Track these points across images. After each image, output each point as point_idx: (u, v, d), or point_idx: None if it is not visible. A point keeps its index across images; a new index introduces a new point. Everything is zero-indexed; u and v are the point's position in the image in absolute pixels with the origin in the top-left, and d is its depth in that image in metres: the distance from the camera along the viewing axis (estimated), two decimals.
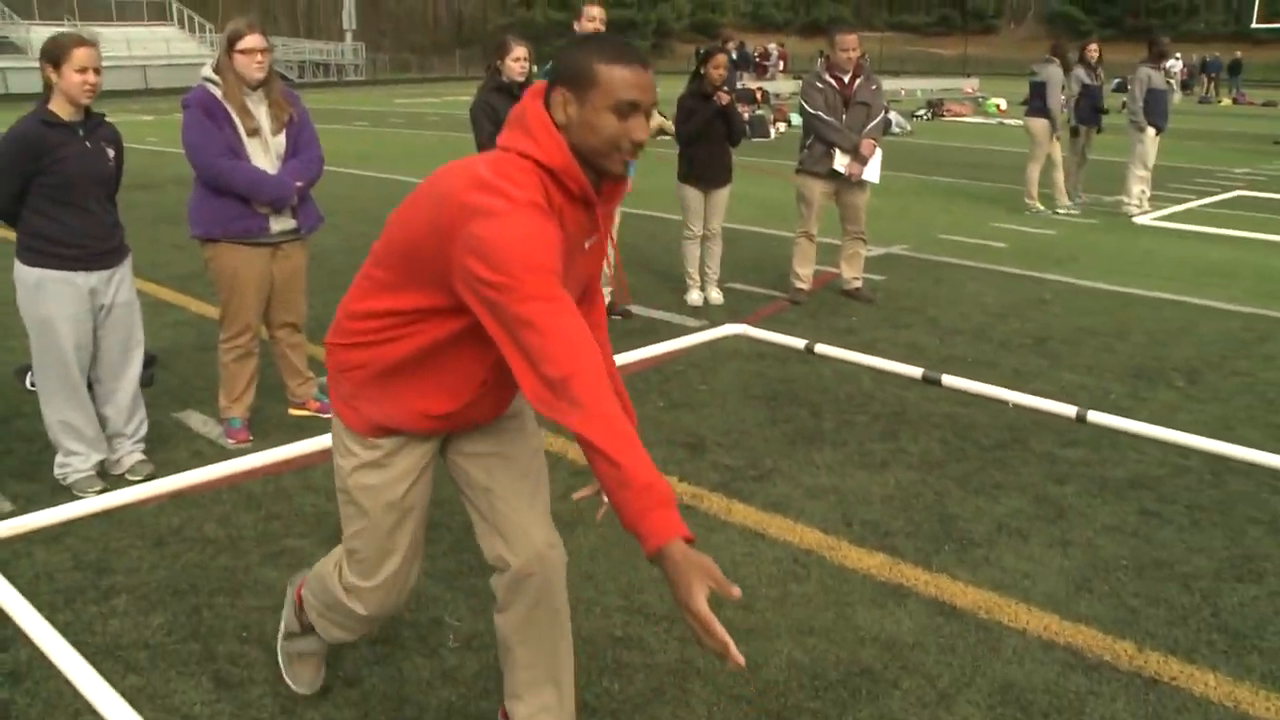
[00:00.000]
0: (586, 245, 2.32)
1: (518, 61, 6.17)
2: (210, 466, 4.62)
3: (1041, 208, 11.99)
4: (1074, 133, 12.45)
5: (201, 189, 4.68)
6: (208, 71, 4.66)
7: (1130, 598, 3.60)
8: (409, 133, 23.52)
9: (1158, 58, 11.91)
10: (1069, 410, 5.33)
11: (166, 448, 4.93)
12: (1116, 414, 5.30)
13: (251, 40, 4.55)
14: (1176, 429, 5.11)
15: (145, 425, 4.69)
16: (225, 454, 4.84)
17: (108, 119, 4.41)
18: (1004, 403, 5.53)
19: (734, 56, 28.10)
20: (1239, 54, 45.15)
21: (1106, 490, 4.47)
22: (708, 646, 1.83)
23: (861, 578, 3.72)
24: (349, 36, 58.78)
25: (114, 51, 46.95)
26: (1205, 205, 12.91)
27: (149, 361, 6.14)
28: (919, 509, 4.28)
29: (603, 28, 6.66)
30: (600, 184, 2.26)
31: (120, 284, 4.41)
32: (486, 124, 6.15)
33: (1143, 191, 12.10)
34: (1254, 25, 48.34)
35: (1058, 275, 8.65)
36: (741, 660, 1.81)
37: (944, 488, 4.49)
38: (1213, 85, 41.22)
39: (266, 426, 5.12)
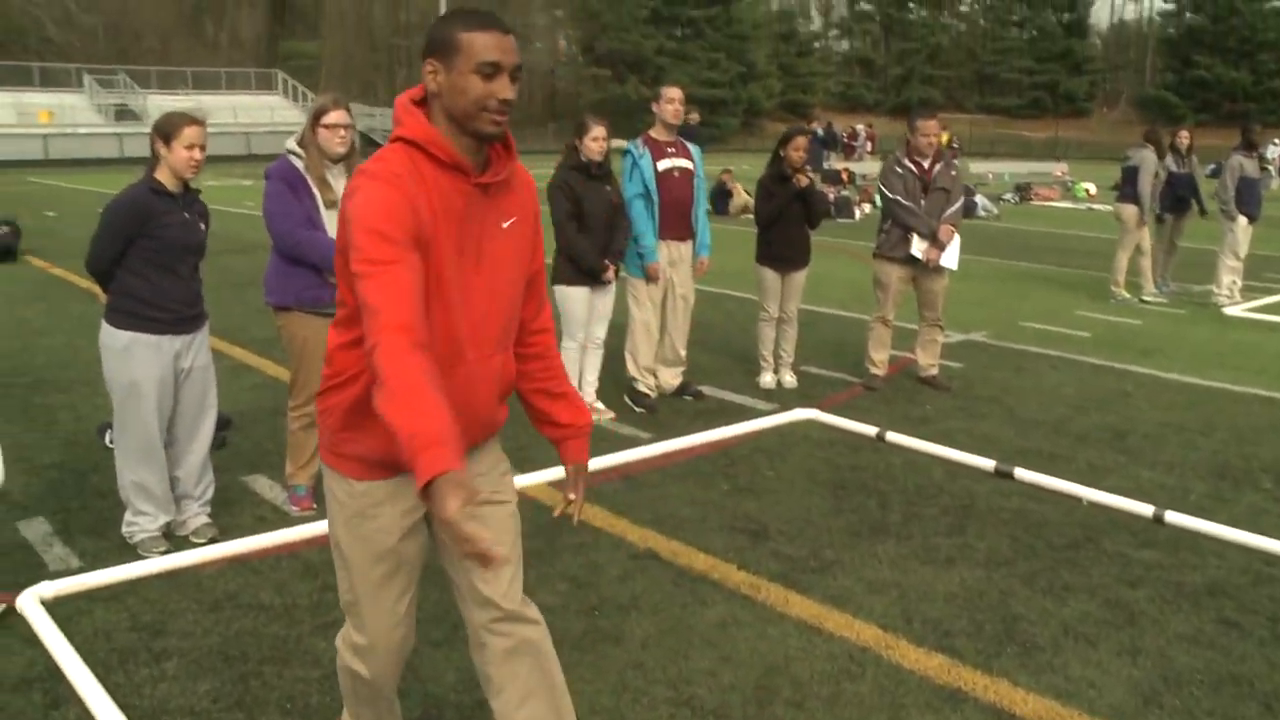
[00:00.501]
0: (505, 225, 2.45)
1: (596, 141, 6.25)
2: (271, 533, 4.68)
3: (1128, 295, 11.75)
4: (1159, 220, 12.23)
5: (277, 258, 4.79)
6: (291, 144, 4.80)
7: (1204, 715, 3.44)
8: None
9: (1250, 145, 11.69)
10: (1145, 510, 5.15)
11: (232, 511, 5.01)
12: (1197, 515, 5.10)
13: (335, 115, 4.68)
14: (1262, 534, 4.89)
15: (212, 488, 4.78)
16: (288, 520, 4.91)
17: (200, 195, 4.60)
18: (1078, 499, 5.37)
19: (820, 135, 28.22)
20: None
21: (1183, 597, 4.30)
22: (465, 553, 1.95)
23: (918, 679, 3.60)
24: None
25: (221, 119, 49.01)
26: None
27: (223, 424, 6.27)
28: (983, 608, 4.15)
29: (681, 109, 6.75)
30: (484, 152, 2.39)
31: (199, 348, 4.58)
32: (564, 201, 6.23)
33: (1234, 281, 11.81)
34: None
35: (1142, 367, 8.44)
36: (496, 552, 1.97)
37: (1010, 587, 4.36)
38: None
39: None
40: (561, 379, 2.77)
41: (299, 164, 4.74)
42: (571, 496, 2.81)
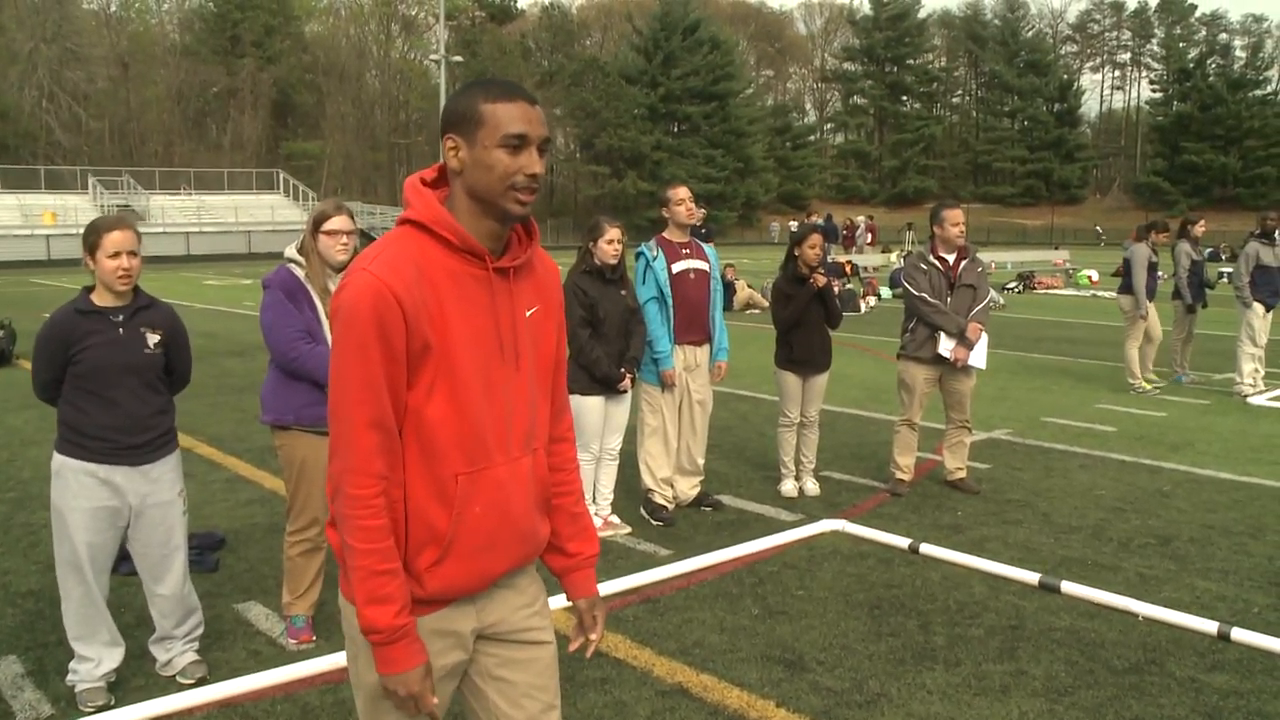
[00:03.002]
0: (528, 314, 2.24)
1: (610, 244, 6.00)
2: (265, 673, 4.29)
3: (1147, 386, 11.47)
4: (1190, 310, 12.03)
5: (276, 373, 4.49)
6: (291, 251, 4.53)
7: None
8: None
9: (1267, 233, 11.49)
10: (1209, 626, 4.78)
11: (223, 644, 4.64)
12: (1264, 631, 4.72)
13: (337, 222, 4.42)
14: None
15: (200, 626, 4.39)
16: (284, 656, 4.52)
17: (160, 302, 4.22)
18: (1133, 615, 5.00)
19: (822, 227, 28.17)
20: None
21: None
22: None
23: None
24: None
25: (222, 218, 49.58)
26: None
27: (216, 545, 5.95)
28: None
29: (694, 207, 6.51)
30: (506, 235, 2.20)
31: (157, 482, 4.12)
32: (576, 308, 5.96)
33: (1255, 370, 11.50)
34: None
35: (1175, 463, 8.10)
36: (428, 703, 2.12)
37: None
38: None
39: (331, 625, 4.77)
40: (579, 498, 2.48)
41: (299, 273, 4.46)
42: (593, 637, 2.47)
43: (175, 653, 4.31)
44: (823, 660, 4.51)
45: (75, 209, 46.68)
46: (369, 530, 2.05)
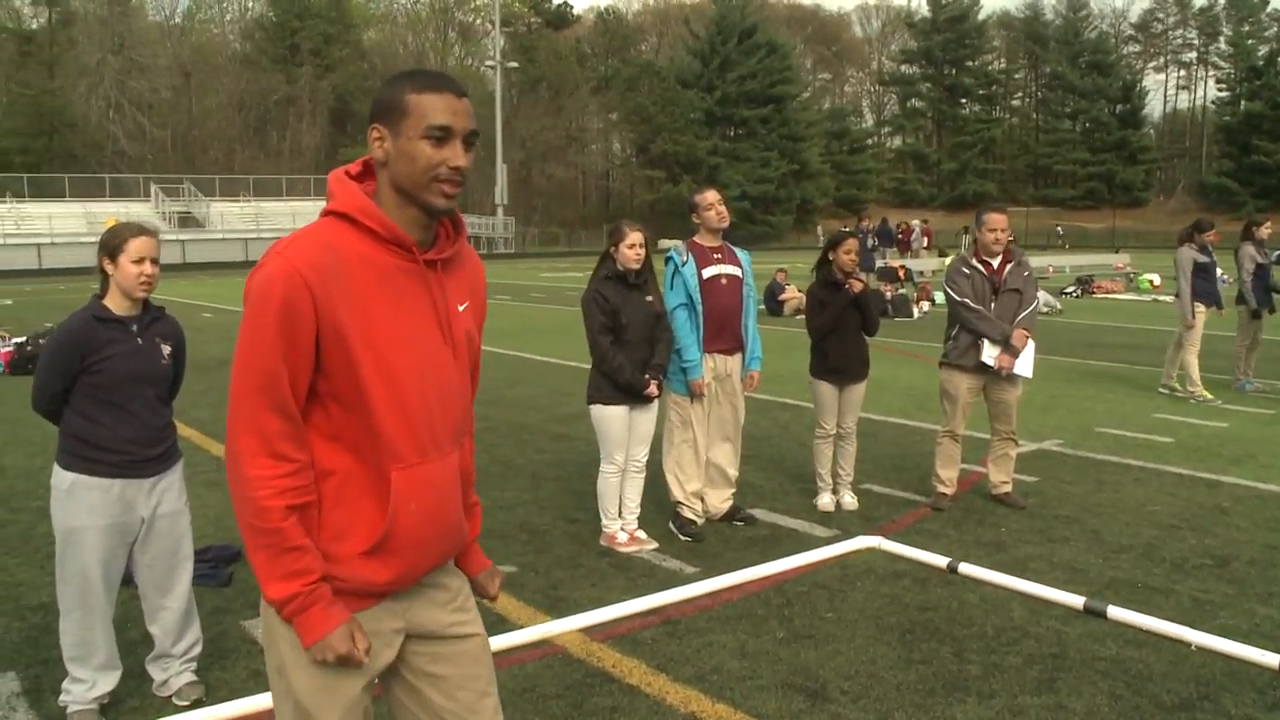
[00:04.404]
0: (460, 308, 2.24)
1: (632, 249, 5.80)
2: (262, 695, 4.11)
3: (1208, 396, 11.02)
4: (1255, 315, 11.57)
5: None
6: None
7: None
8: (548, 308, 23.71)
9: None
10: (1269, 659, 4.45)
11: (225, 663, 4.49)
12: None
13: None
14: None
15: (199, 644, 4.26)
16: None
17: (166, 312, 4.13)
18: (1185, 644, 4.69)
19: (869, 239, 27.53)
20: None
21: None
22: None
23: None
24: (500, 211, 61.09)
25: (280, 224, 50.36)
26: None
27: (231, 558, 5.83)
28: None
29: (724, 210, 6.30)
30: (433, 229, 2.19)
31: (165, 493, 4.03)
32: (598, 314, 5.77)
33: None
34: None
35: (1235, 477, 7.71)
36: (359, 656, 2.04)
37: None
38: None
39: None
40: (471, 488, 2.47)
41: None
42: (494, 598, 2.52)
43: (172, 673, 4.18)
44: (847, 690, 4.26)
45: (138, 216, 47.50)
46: (275, 511, 2.02)
